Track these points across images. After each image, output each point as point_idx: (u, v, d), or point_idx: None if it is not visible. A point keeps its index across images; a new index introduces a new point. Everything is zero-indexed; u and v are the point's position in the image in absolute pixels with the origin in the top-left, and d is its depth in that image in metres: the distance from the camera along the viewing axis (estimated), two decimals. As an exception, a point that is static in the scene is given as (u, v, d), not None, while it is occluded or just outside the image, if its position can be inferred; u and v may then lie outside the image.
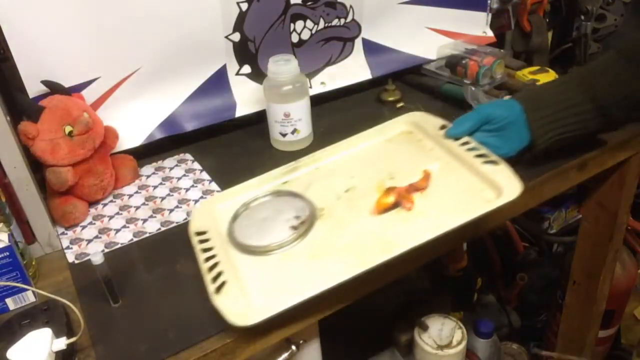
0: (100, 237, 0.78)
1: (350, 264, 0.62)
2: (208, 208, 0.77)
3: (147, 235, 0.78)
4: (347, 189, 0.76)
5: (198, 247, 0.69)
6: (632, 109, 0.78)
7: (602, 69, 0.79)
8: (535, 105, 0.79)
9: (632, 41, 0.79)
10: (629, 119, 0.83)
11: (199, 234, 0.72)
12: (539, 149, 0.80)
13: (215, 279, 0.64)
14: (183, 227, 0.77)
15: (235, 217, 0.74)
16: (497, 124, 0.79)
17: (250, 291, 0.62)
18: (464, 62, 1.06)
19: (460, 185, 0.72)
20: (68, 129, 0.78)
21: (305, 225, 0.70)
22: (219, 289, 0.62)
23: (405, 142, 0.84)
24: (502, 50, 1.13)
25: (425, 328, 1.13)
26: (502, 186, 0.67)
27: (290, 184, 0.80)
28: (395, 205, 0.70)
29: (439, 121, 0.83)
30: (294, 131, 0.93)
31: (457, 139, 0.78)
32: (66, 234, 0.80)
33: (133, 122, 0.93)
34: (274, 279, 0.64)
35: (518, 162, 0.81)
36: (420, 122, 0.85)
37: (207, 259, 0.67)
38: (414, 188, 0.71)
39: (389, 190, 0.71)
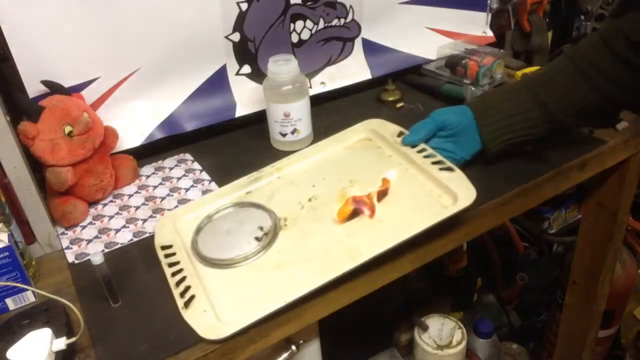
0: (100, 237, 0.78)
1: (316, 273, 0.64)
2: (172, 222, 0.77)
3: (147, 235, 0.78)
4: (310, 197, 0.77)
5: (164, 262, 0.70)
6: (580, 115, 0.79)
7: (551, 75, 0.80)
8: (486, 112, 0.81)
9: (581, 47, 0.79)
10: (578, 124, 0.84)
11: (164, 248, 0.72)
12: (490, 154, 0.82)
13: (183, 293, 0.64)
14: (183, 227, 0.77)
15: (198, 230, 0.74)
16: (451, 130, 0.81)
17: (219, 304, 0.63)
18: (463, 62, 1.06)
19: (419, 191, 0.74)
20: (68, 129, 0.78)
21: (269, 236, 0.71)
22: (187, 303, 0.63)
23: (365, 149, 0.85)
24: (502, 50, 1.13)
25: (425, 328, 1.13)
26: (458, 193, 0.70)
27: (253, 195, 0.80)
28: (357, 213, 0.71)
29: (396, 128, 0.85)
30: (293, 131, 0.93)
31: (413, 146, 0.81)
32: (66, 234, 0.80)
33: (133, 122, 0.93)
34: (241, 291, 0.65)
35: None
36: (378, 129, 0.87)
37: (174, 274, 0.68)
38: (375, 196, 0.72)
39: (351, 198, 0.72)
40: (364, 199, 0.71)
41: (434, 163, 0.76)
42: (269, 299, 0.62)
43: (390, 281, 0.72)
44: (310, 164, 0.84)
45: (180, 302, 0.63)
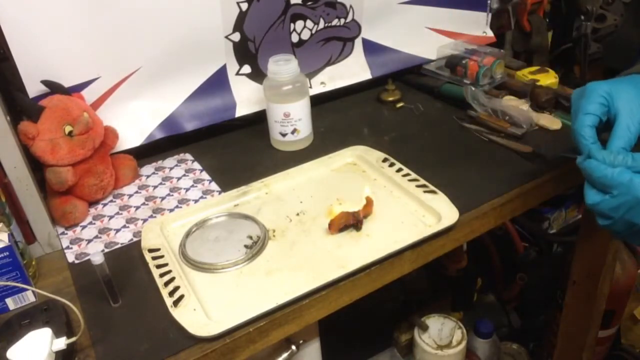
0: (100, 237, 0.78)
1: (307, 278, 0.65)
2: (159, 227, 0.77)
3: (147, 235, 0.78)
4: (298, 212, 0.79)
5: (152, 263, 0.70)
6: None
7: None
8: None
9: None
10: None
11: (152, 250, 0.73)
12: None
13: (172, 293, 0.65)
14: (183, 227, 0.77)
15: (187, 236, 0.75)
16: None
17: (208, 304, 0.64)
18: (463, 62, 1.06)
19: (404, 211, 0.77)
20: (68, 128, 0.78)
21: (258, 244, 0.72)
22: (176, 302, 0.63)
23: (350, 172, 0.88)
24: (502, 51, 1.13)
25: (425, 328, 1.13)
26: (441, 213, 0.74)
27: (241, 208, 0.81)
28: (346, 227, 0.74)
29: (381, 155, 0.88)
30: (294, 131, 0.93)
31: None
32: (66, 233, 0.80)
33: (133, 122, 0.93)
34: (231, 294, 0.66)
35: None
36: (364, 154, 0.89)
37: (162, 275, 0.68)
38: (362, 212, 0.74)
39: (341, 213, 0.74)
40: (353, 214, 0.74)
41: (418, 186, 0.80)
42: (261, 300, 0.62)
43: (390, 281, 0.72)
44: (297, 183, 0.85)
45: (169, 301, 0.64)
